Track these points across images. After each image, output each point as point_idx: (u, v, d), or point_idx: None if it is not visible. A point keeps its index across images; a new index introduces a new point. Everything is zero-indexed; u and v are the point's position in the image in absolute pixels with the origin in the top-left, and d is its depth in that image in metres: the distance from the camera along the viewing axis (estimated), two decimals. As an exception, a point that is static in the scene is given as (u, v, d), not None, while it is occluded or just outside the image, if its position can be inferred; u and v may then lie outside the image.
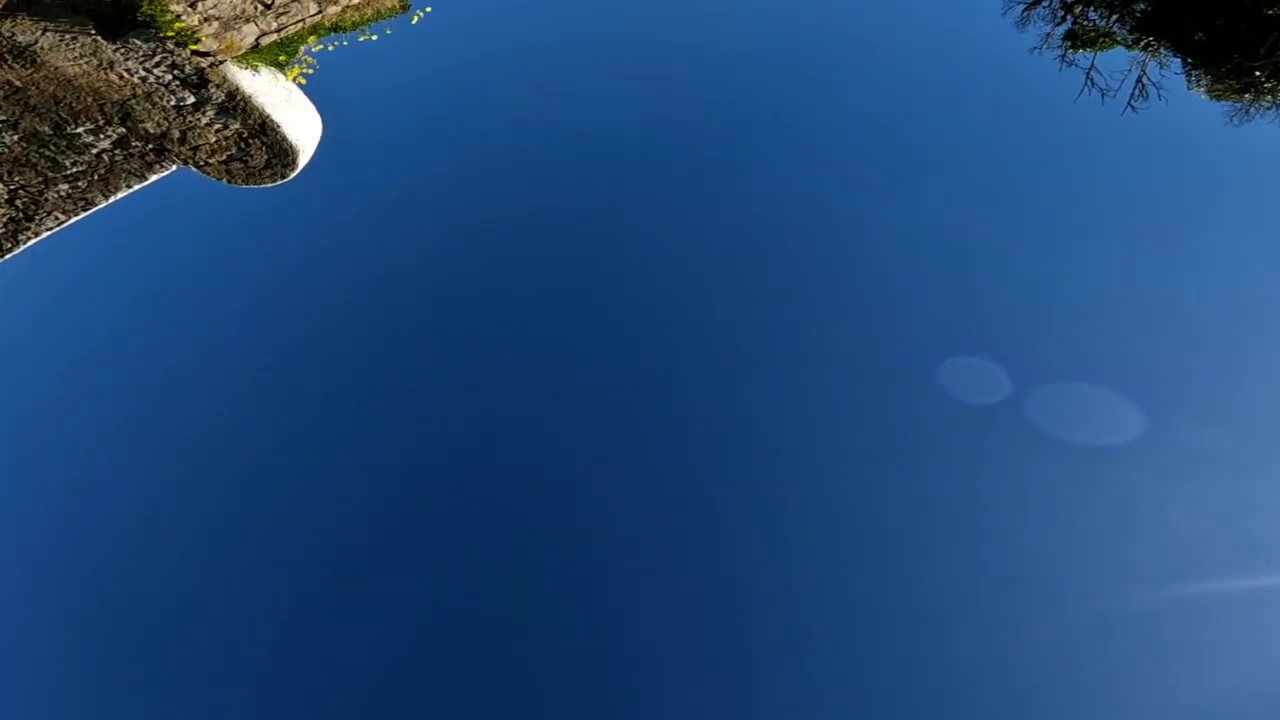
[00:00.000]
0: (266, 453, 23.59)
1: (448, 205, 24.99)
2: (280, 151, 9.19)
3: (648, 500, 22.39)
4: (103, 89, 7.83)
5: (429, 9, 8.84)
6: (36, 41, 7.19)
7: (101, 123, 8.11)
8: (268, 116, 8.87)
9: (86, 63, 7.56)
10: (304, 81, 8.95)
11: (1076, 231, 23.17)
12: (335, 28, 8.45)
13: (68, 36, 7.28)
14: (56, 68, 7.43)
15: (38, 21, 7.07)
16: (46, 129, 7.82)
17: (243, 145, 8.98)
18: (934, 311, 22.80)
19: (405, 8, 8.70)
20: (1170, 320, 22.35)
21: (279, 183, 9.50)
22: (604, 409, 23.20)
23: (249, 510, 22.97)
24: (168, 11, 7.58)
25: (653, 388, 23.30)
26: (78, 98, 7.76)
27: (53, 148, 8.00)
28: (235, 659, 21.52)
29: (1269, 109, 21.42)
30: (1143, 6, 21.26)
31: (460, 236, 24.79)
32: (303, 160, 9.56)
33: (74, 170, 8.24)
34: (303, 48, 8.60)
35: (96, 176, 8.45)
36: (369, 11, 8.55)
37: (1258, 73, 21.01)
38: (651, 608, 21.46)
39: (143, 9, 7.48)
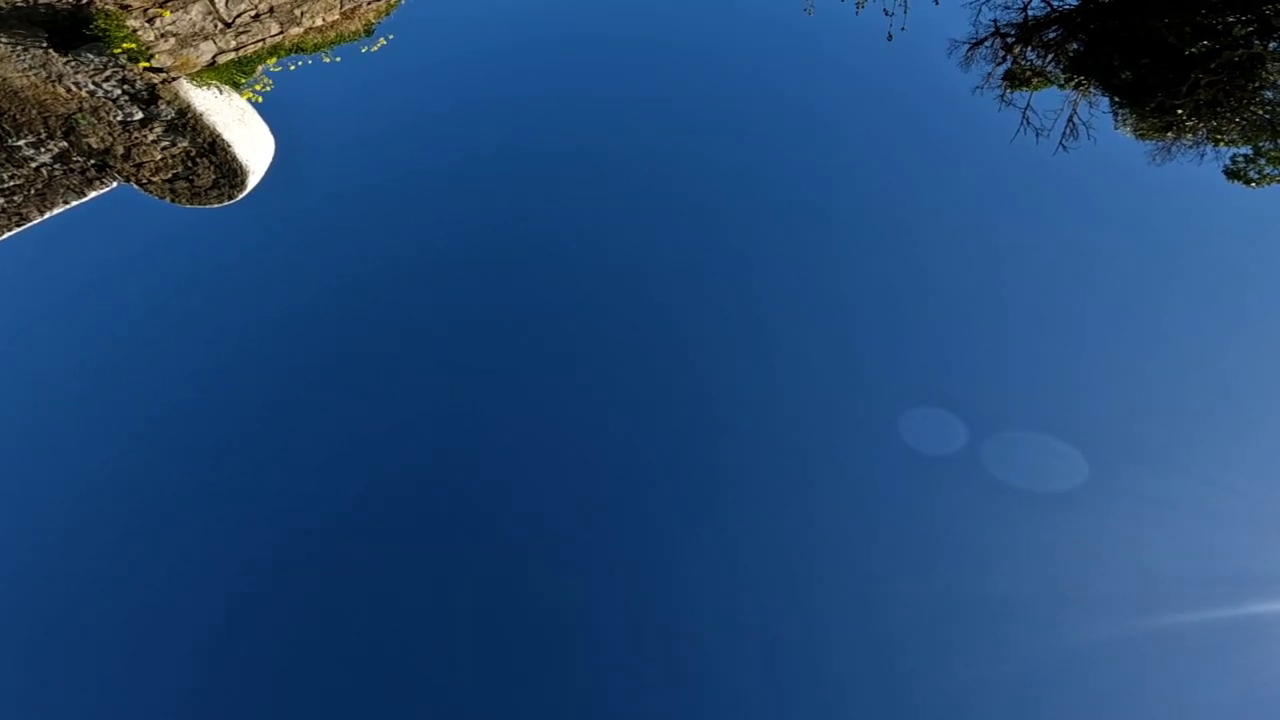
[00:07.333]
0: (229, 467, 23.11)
1: (405, 217, 25.02)
2: (229, 172, 9.35)
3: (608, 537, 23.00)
4: (49, 101, 7.89)
5: (391, 36, 9.18)
6: (-14, 53, 7.24)
7: (44, 135, 8.15)
8: (218, 135, 9.03)
9: (35, 74, 7.63)
10: (260, 100, 9.15)
11: (1025, 280, 24.68)
12: (297, 49, 8.71)
13: (19, 47, 7.36)
14: (4, 79, 7.48)
15: (-10, 33, 7.12)
16: (-14, 142, 7.83)
17: (190, 164, 9.11)
18: (890, 363, 24.04)
19: (369, 32, 9.01)
20: (1108, 366, 24.07)
21: (226, 204, 9.62)
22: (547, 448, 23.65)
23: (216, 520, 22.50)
24: (123, 26, 7.72)
25: (615, 427, 23.89)
26: (22, 110, 7.81)
27: (-10, 161, 7.99)
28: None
29: (1190, 147, 23.24)
30: (1076, 46, 22.88)
31: (423, 248, 24.86)
32: (252, 181, 9.72)
33: (11, 184, 8.25)
34: (260, 67, 8.81)
35: (33, 191, 8.45)
36: (332, 34, 8.84)
37: (1179, 111, 22.60)
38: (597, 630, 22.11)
39: (98, 23, 7.60)
